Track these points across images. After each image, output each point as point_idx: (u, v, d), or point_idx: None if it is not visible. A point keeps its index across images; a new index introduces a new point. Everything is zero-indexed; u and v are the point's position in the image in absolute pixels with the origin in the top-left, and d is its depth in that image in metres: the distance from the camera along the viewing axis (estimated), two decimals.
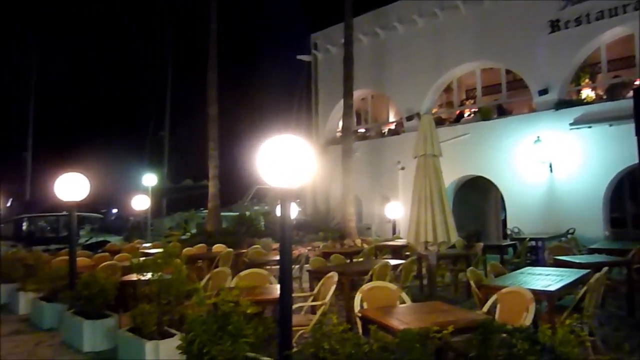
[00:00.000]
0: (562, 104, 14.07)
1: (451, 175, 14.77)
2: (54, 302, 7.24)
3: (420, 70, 17.59)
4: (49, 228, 20.82)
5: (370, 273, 7.04)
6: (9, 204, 25.35)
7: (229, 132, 22.46)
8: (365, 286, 5.16)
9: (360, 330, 4.48)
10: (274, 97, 28.65)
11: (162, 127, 32.84)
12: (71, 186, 7.22)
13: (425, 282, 8.93)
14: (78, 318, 6.14)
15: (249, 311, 4.32)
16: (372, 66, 19.05)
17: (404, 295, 5.13)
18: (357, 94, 18.49)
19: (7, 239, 18.07)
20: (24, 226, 19.91)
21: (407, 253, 9.93)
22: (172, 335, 5.01)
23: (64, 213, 16.31)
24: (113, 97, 35.89)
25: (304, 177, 3.68)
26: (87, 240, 18.06)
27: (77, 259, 7.62)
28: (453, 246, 8.01)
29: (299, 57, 22.59)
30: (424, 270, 8.95)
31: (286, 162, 3.57)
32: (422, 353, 3.18)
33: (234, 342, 4.00)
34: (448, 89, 18.25)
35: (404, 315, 4.39)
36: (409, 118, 17.72)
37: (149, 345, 4.88)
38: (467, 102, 18.38)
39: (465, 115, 17.39)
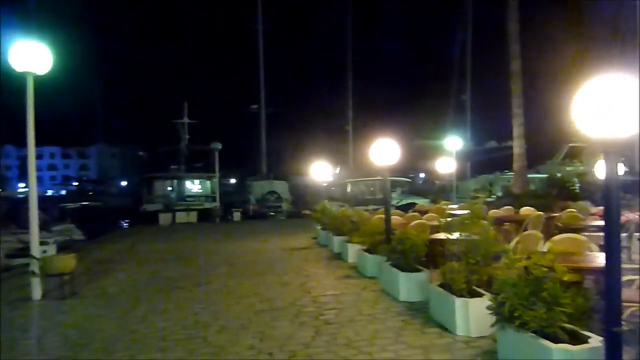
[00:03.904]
0: None
1: None
2: (374, 254, 8.21)
3: None
4: (367, 190, 23.79)
5: None
6: (337, 171, 30.06)
7: (533, 86, 20.60)
8: None
9: None
10: (586, 35, 24.66)
11: (464, 89, 32.78)
12: (383, 152, 7.94)
13: None
14: (394, 270, 6.81)
15: (565, 278, 3.96)
16: None
17: None
18: None
19: (337, 199, 21.59)
20: (348, 189, 23.30)
21: None
22: (480, 295, 5.02)
23: (379, 178, 18.30)
24: (414, 66, 37.99)
25: (633, 125, 3.05)
26: (398, 202, 19.83)
27: (391, 217, 8.43)
28: None
29: None
30: None
31: (611, 108, 3.00)
32: None
33: (549, 310, 3.74)
34: None
35: None
36: None
37: (458, 302, 5.02)
38: None
39: None
